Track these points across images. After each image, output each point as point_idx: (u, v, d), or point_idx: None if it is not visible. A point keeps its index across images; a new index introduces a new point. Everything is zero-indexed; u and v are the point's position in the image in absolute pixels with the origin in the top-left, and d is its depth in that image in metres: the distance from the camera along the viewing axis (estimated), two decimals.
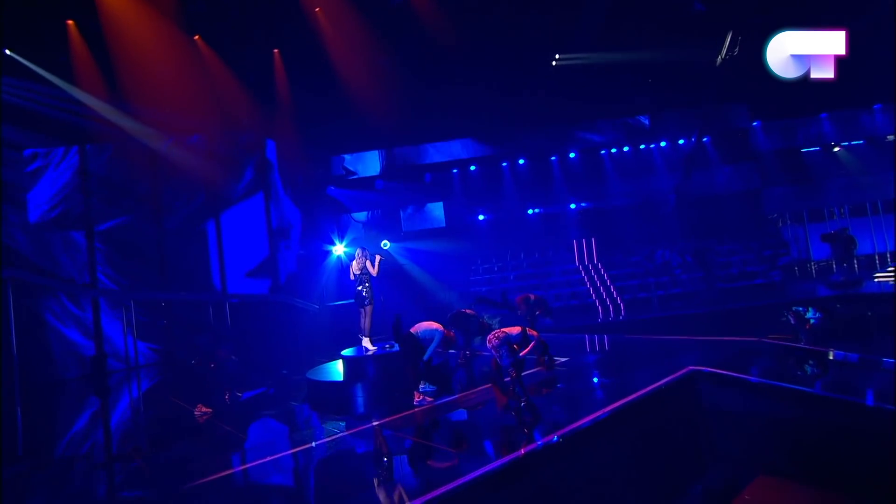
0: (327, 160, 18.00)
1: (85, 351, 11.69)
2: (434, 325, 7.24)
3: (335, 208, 17.84)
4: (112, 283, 12.07)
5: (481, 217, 18.41)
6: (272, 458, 5.47)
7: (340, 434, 6.26)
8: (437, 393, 7.44)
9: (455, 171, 18.25)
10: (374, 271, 8.53)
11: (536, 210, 18.38)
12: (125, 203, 12.14)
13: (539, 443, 5.25)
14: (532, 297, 9.70)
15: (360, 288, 8.47)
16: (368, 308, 8.52)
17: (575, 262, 17.31)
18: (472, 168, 18.18)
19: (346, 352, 8.58)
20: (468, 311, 8.80)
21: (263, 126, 14.41)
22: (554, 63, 14.71)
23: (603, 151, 17.90)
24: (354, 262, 8.47)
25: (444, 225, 17.87)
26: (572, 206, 18.19)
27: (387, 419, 6.62)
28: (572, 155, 17.89)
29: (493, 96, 15.41)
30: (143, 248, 12.44)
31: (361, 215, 18.38)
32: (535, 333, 6.82)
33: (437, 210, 18.07)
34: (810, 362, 7.65)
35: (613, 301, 15.44)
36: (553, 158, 18.00)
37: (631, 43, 13.48)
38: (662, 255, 16.02)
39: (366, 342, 8.50)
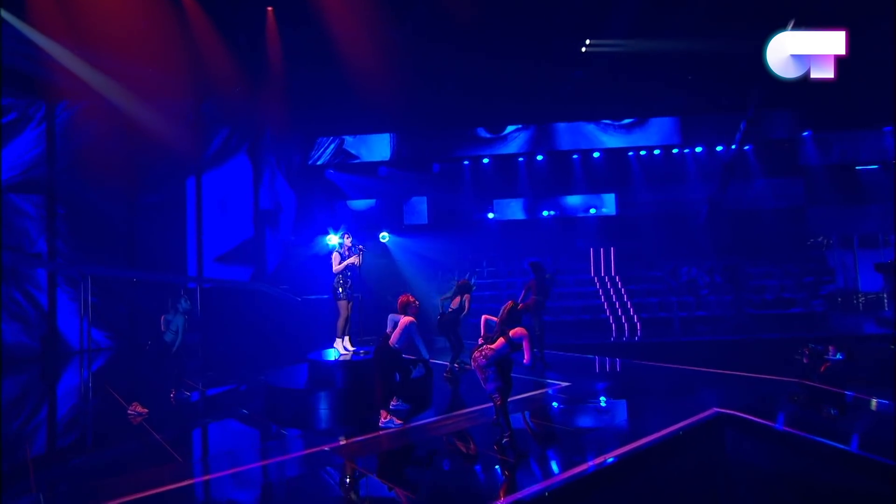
0: (326, 141, 17.18)
1: (36, 331, 10.98)
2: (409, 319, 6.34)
3: (332, 194, 17.00)
4: (69, 257, 11.32)
5: (491, 215, 17.47)
6: (181, 484, 4.58)
7: (277, 459, 5.36)
8: (410, 413, 6.52)
9: (466, 162, 17.33)
10: (358, 261, 7.66)
11: (552, 213, 17.38)
12: (93, 170, 11.37)
13: (522, 495, 4.31)
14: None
15: (339, 280, 7.59)
16: (343, 304, 7.66)
17: (590, 273, 16.28)
18: (485, 161, 17.24)
19: (316, 354, 7.71)
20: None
21: (252, 95, 13.60)
22: (584, 49, 13.72)
23: (631, 153, 16.86)
24: (342, 254, 7.58)
25: (449, 221, 16.93)
26: (592, 210, 17.18)
27: (342, 442, 5.72)
28: (596, 154, 16.87)
29: (511, 82, 14.50)
30: (111, 222, 11.65)
31: (360, 203, 17.53)
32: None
33: (443, 204, 17.13)
34: (855, 412, 6.62)
35: (629, 319, 14.41)
36: (575, 157, 17.00)
37: (670, 31, 12.45)
38: (688, 272, 14.94)
39: (339, 344, 7.62)
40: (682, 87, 14.44)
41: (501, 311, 5.56)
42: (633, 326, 14.14)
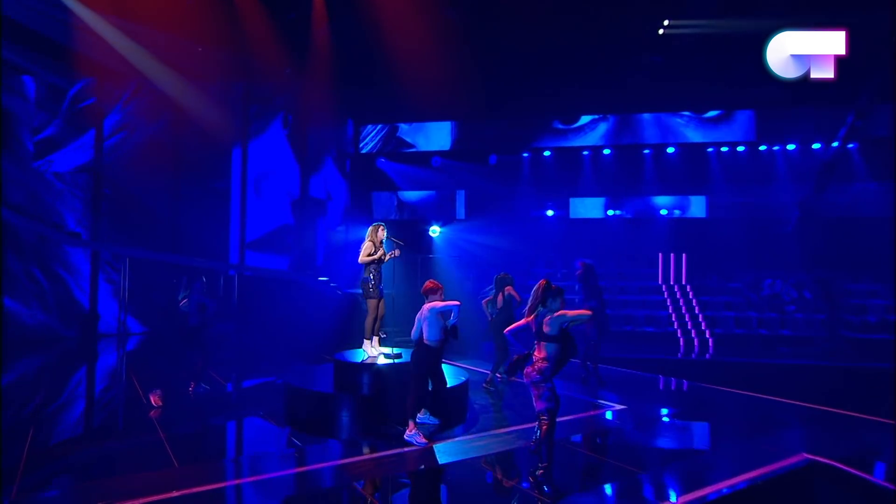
0: (377, 129, 16.79)
1: (76, 310, 11.10)
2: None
3: (383, 184, 16.59)
4: (111, 240, 11.40)
5: (550, 213, 16.55)
6: (163, 496, 4.12)
7: (274, 475, 4.85)
8: (438, 430, 5.89)
9: (526, 155, 16.48)
10: (387, 258, 7.11)
11: (618, 212, 16.26)
12: (139, 155, 11.41)
13: None
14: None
15: (370, 276, 7.05)
16: (373, 302, 7.10)
17: (657, 280, 15.10)
18: (546, 154, 16.34)
19: (342, 355, 7.21)
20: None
21: (300, 78, 13.33)
22: (661, 31, 12.58)
23: (711, 149, 15.48)
24: (369, 245, 7.04)
25: (505, 216, 16.13)
26: (663, 211, 15.93)
27: (357, 458, 5.16)
28: (671, 150, 15.60)
29: (579, 68, 13.56)
30: (154, 208, 11.64)
31: (412, 195, 17.04)
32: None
33: (499, 198, 16.35)
34: None
35: (700, 334, 13.20)
36: (647, 153, 15.80)
37: (762, 9, 11.12)
38: (772, 286, 13.52)
39: (367, 346, 7.07)
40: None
41: (534, 290, 4.85)
42: (703, 342, 12.94)
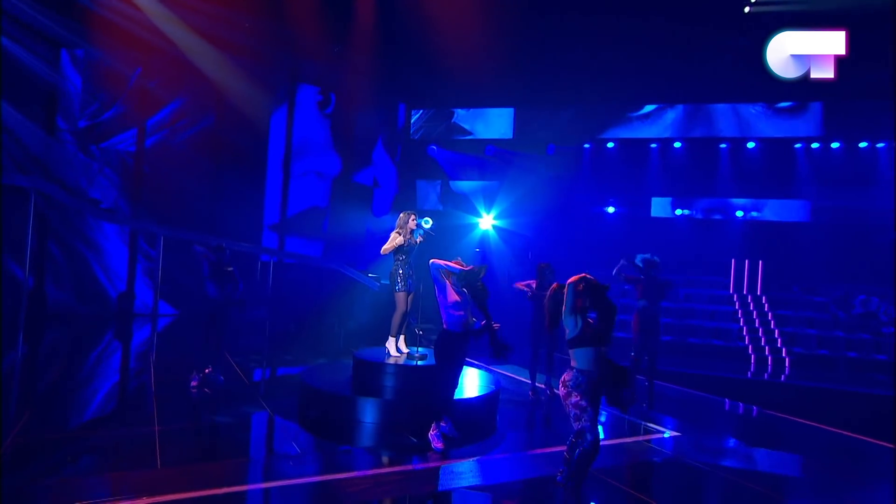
0: (430, 114, 16.23)
1: (104, 287, 11.08)
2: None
3: (433, 172, 16.01)
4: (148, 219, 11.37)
5: (611, 210, 15.50)
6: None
7: (272, 484, 4.34)
8: (455, 445, 5.23)
9: (587, 146, 15.48)
10: (412, 239, 6.52)
11: (686, 211, 15.01)
12: (178, 133, 11.31)
13: None
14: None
15: (398, 268, 6.49)
16: (400, 296, 6.54)
17: (728, 289, 13.81)
18: (610, 146, 15.28)
19: (364, 353, 6.68)
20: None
21: (349, 59, 12.90)
22: (747, 10, 11.34)
23: (798, 145, 13.98)
24: (395, 234, 6.48)
25: (561, 212, 15.20)
26: (739, 213, 14.54)
27: (351, 474, 4.58)
28: (751, 145, 14.21)
29: (651, 52, 12.49)
30: (191, 189, 11.50)
31: (464, 185, 16.36)
32: None
33: (555, 192, 15.42)
34: None
35: (775, 352, 11.90)
36: (723, 146, 14.46)
37: None
38: (865, 303, 12.00)
39: (391, 344, 6.51)
40: (876, 58, 11.43)
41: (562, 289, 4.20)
42: (779, 362, 11.65)
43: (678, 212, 15.02)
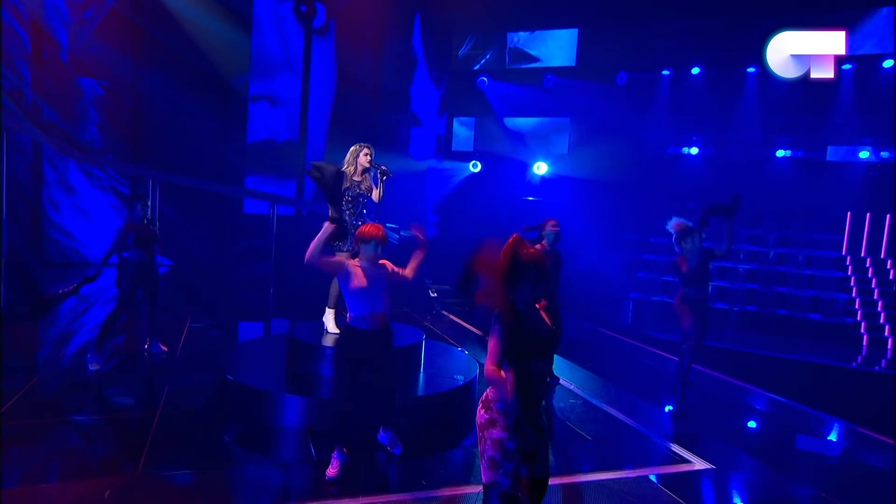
0: (477, 39, 14.28)
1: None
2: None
3: (482, 109, 14.18)
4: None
5: (694, 150, 13.02)
6: None
7: None
8: (406, 459, 3.92)
9: (666, 72, 12.97)
10: (376, 195, 5.21)
11: (788, 153, 12.24)
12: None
13: None
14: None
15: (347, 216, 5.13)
16: (343, 257, 5.18)
17: (841, 250, 11.23)
18: (695, 71, 12.68)
19: (302, 329, 5.46)
20: None
21: None
22: None
23: None
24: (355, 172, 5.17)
25: (630, 153, 12.95)
26: (863, 154, 11.60)
27: None
28: (889, 63, 11.07)
29: None
30: (184, 124, 10.46)
31: (519, 123, 14.42)
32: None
33: (625, 129, 13.13)
34: None
35: None
36: (847, 67, 11.42)
37: None
38: None
39: (329, 318, 5.30)
40: None
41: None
42: None
43: (780, 153, 12.30)
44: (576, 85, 13.54)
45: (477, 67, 14.19)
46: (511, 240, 2.63)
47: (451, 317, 9.39)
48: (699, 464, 4.48)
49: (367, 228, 3.90)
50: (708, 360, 7.07)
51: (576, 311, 10.73)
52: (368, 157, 5.15)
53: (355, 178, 5.11)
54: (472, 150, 14.42)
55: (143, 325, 6.12)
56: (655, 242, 12.35)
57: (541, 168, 13.64)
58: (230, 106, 11.36)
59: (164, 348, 6.07)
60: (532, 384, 2.61)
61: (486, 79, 14.03)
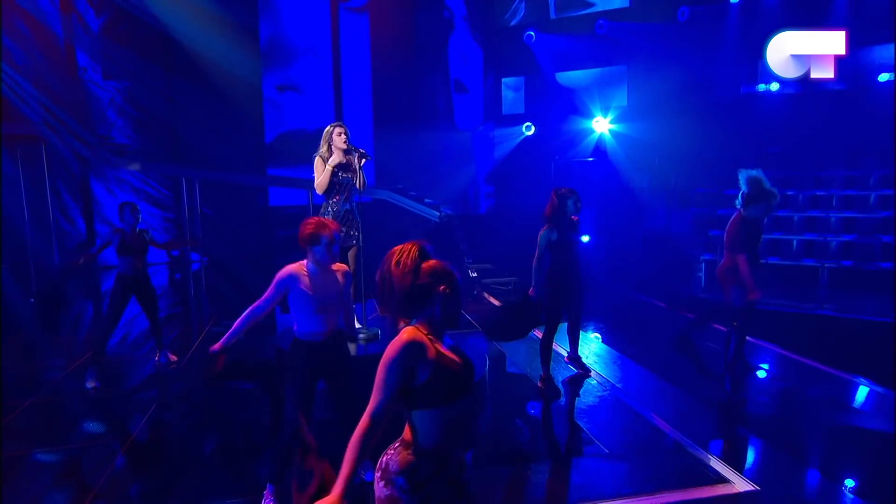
0: None
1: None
2: None
3: (529, 67, 13.13)
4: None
5: (774, 86, 11.27)
6: None
7: None
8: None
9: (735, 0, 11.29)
10: (360, 181, 4.75)
11: (890, 76, 10.28)
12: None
13: None
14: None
15: (329, 212, 4.81)
16: (353, 253, 5.00)
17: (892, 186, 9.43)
18: None
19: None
20: None
21: None
22: None
23: None
24: (336, 152, 4.78)
25: (694, 97, 11.47)
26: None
27: None
28: None
29: None
30: (208, 121, 10.34)
31: (570, 77, 13.22)
32: None
33: (689, 71, 11.61)
34: None
35: None
36: None
37: None
38: None
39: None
40: None
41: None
42: None
43: (883, 76, 10.34)
44: (632, 28, 12.18)
45: (515, 22, 13.07)
46: (408, 250, 2.07)
47: (491, 299, 8.76)
48: (740, 484, 3.67)
49: (314, 224, 3.31)
50: (786, 334, 6.09)
51: (634, 281, 9.77)
52: (343, 137, 4.73)
53: (340, 161, 4.73)
54: (523, 112, 13.45)
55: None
56: (732, 195, 10.94)
57: (599, 123, 12.49)
58: (252, 99, 11.20)
59: (174, 358, 5.97)
60: (449, 435, 2.04)
61: (532, 33, 12.93)
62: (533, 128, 13.11)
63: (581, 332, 5.61)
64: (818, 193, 10.37)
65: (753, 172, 5.18)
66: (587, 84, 12.86)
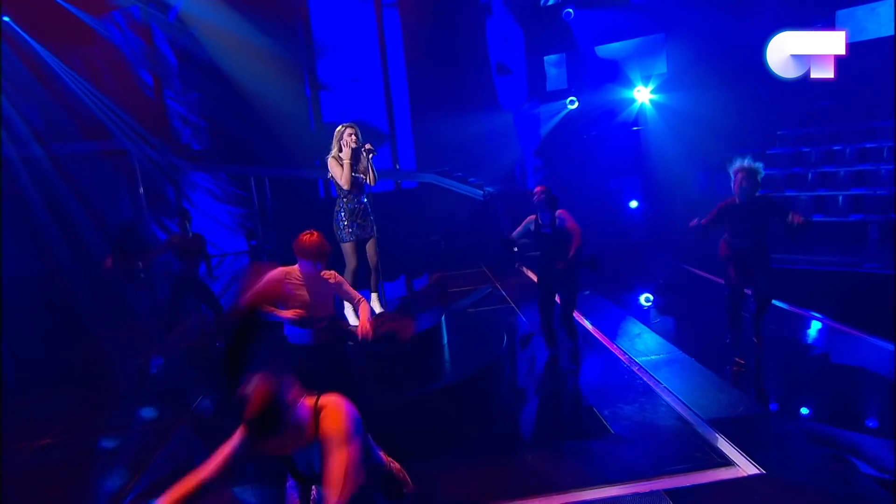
0: None
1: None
2: None
3: (567, 45, 13.27)
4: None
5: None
6: None
7: None
8: None
9: None
10: (371, 178, 5.17)
11: None
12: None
13: None
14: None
15: (344, 208, 5.12)
16: (347, 248, 5.17)
17: None
18: None
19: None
20: None
21: None
22: None
23: None
24: (345, 149, 5.05)
25: (735, 64, 11.26)
26: None
27: None
28: None
29: None
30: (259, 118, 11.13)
31: (613, 48, 13.24)
32: None
33: (730, 37, 11.39)
34: None
35: None
36: None
37: None
38: None
39: (349, 313, 5.10)
40: None
41: None
42: None
43: None
44: None
45: (553, 2, 13.15)
46: (259, 387, 2.30)
47: (530, 273, 9.15)
48: (745, 467, 3.65)
49: (307, 240, 3.89)
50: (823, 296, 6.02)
51: (674, 248, 10.00)
52: (354, 137, 4.98)
53: (350, 161, 4.98)
54: (566, 87, 13.66)
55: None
56: (774, 154, 10.99)
57: (640, 92, 12.57)
58: (306, 93, 11.87)
59: (160, 361, 6.67)
60: None
61: (571, 10, 13.03)
62: (577, 101, 13.31)
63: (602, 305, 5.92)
64: (867, 146, 10.14)
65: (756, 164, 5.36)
66: (626, 55, 12.90)
